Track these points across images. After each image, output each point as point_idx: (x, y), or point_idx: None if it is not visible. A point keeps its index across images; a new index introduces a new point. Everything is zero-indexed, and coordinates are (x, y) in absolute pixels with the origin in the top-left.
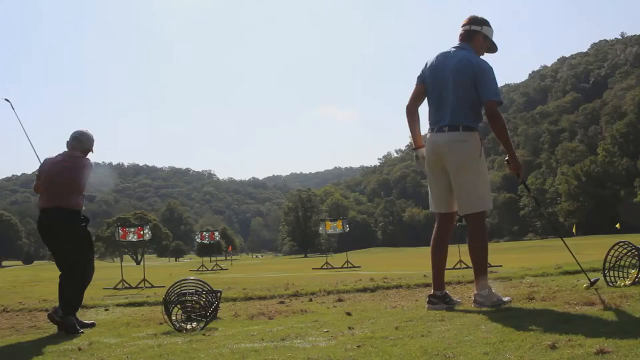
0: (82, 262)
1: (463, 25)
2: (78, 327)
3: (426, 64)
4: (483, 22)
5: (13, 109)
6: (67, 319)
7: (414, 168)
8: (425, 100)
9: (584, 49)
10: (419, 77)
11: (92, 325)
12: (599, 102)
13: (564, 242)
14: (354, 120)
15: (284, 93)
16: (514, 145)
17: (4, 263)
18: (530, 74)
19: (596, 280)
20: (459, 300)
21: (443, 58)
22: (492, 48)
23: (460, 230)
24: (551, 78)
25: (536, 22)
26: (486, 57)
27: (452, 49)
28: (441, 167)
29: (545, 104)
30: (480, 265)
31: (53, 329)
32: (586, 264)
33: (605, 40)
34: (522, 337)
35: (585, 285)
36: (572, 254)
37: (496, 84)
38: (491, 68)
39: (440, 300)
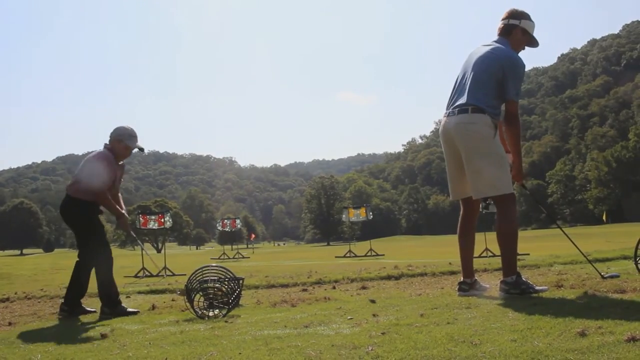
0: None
1: (502, 19)
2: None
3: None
4: (522, 16)
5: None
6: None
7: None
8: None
9: (616, 31)
10: None
11: (92, 312)
12: (631, 86)
13: (563, 231)
14: (374, 106)
15: (303, 79)
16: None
17: (25, 251)
18: (559, 57)
19: (612, 276)
20: (489, 286)
21: (478, 48)
22: (533, 42)
23: (485, 218)
24: (581, 61)
25: (566, 2)
26: None
27: (490, 42)
28: (455, 152)
29: (574, 88)
30: (506, 251)
31: None
32: (617, 251)
33: (638, 22)
34: (550, 324)
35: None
36: (576, 245)
37: (521, 84)
38: (524, 66)
39: (471, 287)
